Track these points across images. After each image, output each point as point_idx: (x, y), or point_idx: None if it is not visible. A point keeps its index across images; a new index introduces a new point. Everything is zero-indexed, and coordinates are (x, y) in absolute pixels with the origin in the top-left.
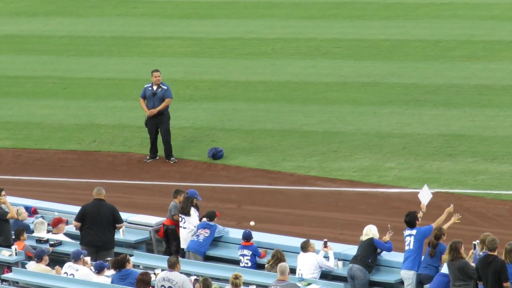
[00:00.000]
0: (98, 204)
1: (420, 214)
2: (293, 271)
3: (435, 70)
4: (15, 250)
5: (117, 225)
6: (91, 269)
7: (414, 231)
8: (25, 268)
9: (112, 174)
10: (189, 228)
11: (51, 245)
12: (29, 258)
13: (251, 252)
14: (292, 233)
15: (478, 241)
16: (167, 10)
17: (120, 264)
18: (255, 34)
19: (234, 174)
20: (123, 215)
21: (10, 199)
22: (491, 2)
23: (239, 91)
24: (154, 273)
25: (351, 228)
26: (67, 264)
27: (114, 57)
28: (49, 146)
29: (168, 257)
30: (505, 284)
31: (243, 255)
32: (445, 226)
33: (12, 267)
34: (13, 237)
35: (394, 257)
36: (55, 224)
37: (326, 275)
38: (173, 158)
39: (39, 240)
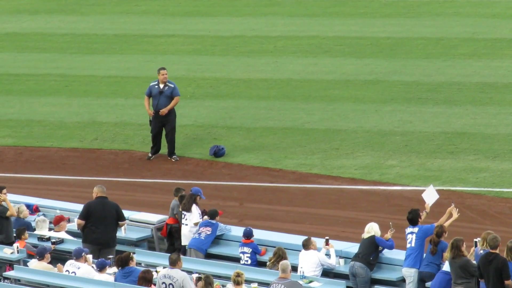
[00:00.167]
0: (102, 202)
1: (423, 215)
2: (294, 269)
3: (437, 68)
4: (17, 248)
5: (119, 222)
6: (92, 267)
7: (416, 229)
8: (27, 266)
9: (113, 172)
10: (190, 225)
11: (53, 243)
12: (31, 257)
13: (251, 250)
14: (294, 231)
15: (479, 238)
16: (169, 7)
17: (123, 261)
18: (257, 32)
19: (235, 172)
20: (125, 213)
21: (12, 197)
22: (493, 0)
23: (241, 89)
24: (156, 271)
25: (353, 226)
26: (69, 262)
27: (116, 55)
28: (51, 144)
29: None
30: (506, 282)
31: (243, 253)
32: (447, 224)
33: (14, 265)
34: (14, 235)
35: (395, 255)
36: (57, 222)
37: (327, 273)
38: (175, 156)
39: (41, 238)
